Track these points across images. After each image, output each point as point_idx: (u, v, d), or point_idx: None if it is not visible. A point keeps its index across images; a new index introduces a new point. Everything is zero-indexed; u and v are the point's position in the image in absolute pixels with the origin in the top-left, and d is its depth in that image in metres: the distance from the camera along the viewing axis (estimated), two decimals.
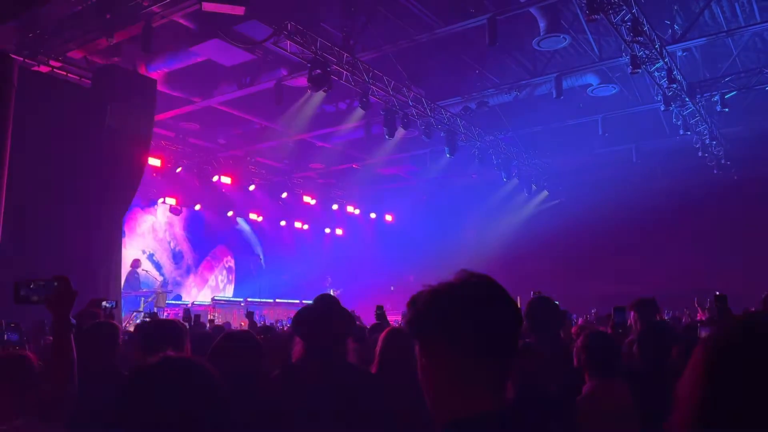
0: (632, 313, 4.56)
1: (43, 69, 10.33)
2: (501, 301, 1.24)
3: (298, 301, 15.03)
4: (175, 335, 2.95)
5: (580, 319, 6.79)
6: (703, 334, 3.72)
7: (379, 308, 6.08)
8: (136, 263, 14.58)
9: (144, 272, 14.56)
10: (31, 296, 2.23)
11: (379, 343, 3.34)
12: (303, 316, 2.83)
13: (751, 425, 0.84)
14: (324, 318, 2.76)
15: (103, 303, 4.98)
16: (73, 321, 2.25)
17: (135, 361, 2.96)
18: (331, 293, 16.66)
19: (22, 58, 9.89)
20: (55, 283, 2.21)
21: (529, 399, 2.83)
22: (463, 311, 1.21)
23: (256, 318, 10.66)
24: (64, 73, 10.70)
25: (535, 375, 2.96)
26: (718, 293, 4.83)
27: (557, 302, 3.91)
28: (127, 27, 9.27)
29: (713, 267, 15.61)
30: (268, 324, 9.34)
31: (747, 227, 15.92)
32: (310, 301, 3.20)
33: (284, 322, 11.52)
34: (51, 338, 2.59)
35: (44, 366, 2.29)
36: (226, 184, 17.62)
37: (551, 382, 3.14)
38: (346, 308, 2.95)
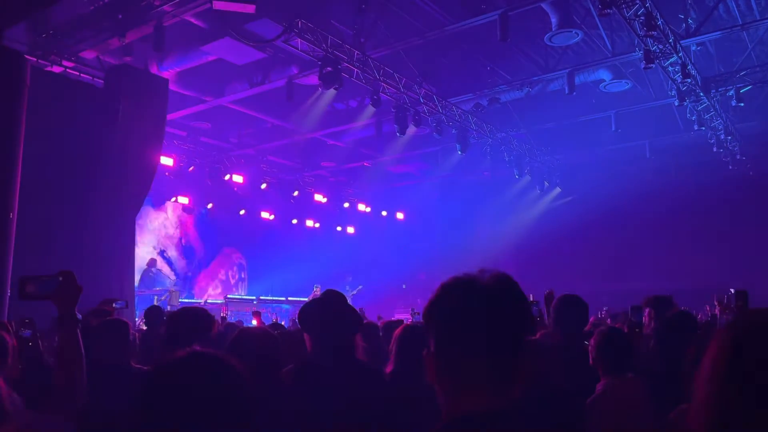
0: (647, 310, 4.50)
1: (56, 69, 10.41)
2: (510, 299, 1.23)
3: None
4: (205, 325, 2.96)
5: (591, 317, 6.71)
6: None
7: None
8: (152, 262, 14.69)
9: (158, 270, 14.65)
10: (36, 292, 2.23)
11: (394, 340, 3.31)
12: (307, 312, 2.82)
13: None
14: (327, 314, 2.75)
15: (114, 303, 5.01)
16: (79, 316, 2.24)
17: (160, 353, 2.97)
18: (348, 290, 16.69)
19: (35, 59, 9.97)
20: (60, 278, 2.21)
21: (537, 395, 2.80)
22: (471, 307, 1.21)
23: (268, 316, 10.70)
24: (77, 73, 10.77)
25: (543, 371, 2.93)
26: (733, 290, 4.75)
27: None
28: (139, 26, 9.31)
29: (728, 263, 15.45)
30: (280, 322, 9.35)
31: (763, 223, 15.73)
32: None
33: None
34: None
35: (55, 362, 2.30)
36: (237, 183, 17.69)
37: (571, 379, 3.11)
38: (353, 306, 2.94)
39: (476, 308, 1.21)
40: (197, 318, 3.00)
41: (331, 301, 2.88)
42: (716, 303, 6.24)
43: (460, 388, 1.21)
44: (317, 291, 16.15)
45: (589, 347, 3.18)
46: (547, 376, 2.89)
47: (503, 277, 1.25)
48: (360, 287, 17.80)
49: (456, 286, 1.25)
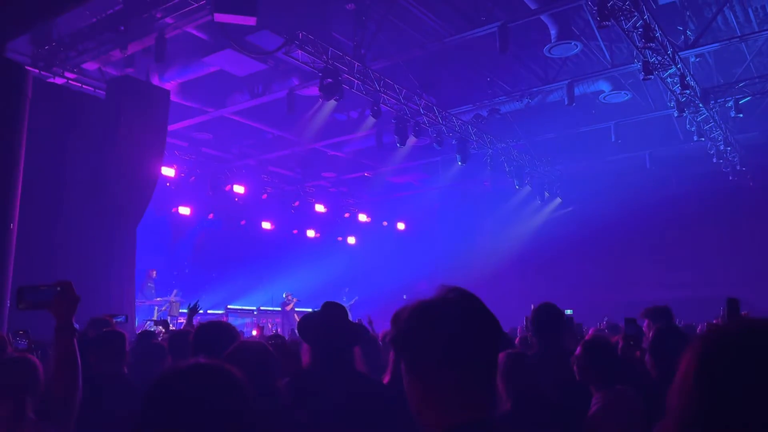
0: (646, 321, 4.50)
1: (58, 80, 10.47)
2: (479, 315, 1.27)
3: (311, 310, 15.00)
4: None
5: (592, 329, 6.69)
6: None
7: None
8: (150, 273, 14.67)
9: (151, 286, 14.58)
10: (34, 301, 2.23)
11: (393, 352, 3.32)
12: (308, 323, 2.83)
13: (736, 428, 0.82)
14: (328, 325, 2.76)
15: (114, 318, 5.01)
16: (77, 326, 2.25)
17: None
18: (344, 301, 16.63)
19: (37, 70, 10.03)
20: (58, 288, 2.22)
21: (526, 406, 2.80)
22: (443, 326, 1.24)
23: (269, 327, 10.68)
24: (79, 85, 10.83)
25: (531, 382, 2.93)
26: (728, 298, 4.75)
27: (571, 311, 3.89)
28: (141, 38, 9.38)
29: (729, 274, 15.42)
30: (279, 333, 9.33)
31: (764, 233, 15.71)
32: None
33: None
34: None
35: (51, 371, 2.30)
36: (238, 193, 17.71)
37: (552, 388, 3.10)
38: (352, 318, 2.95)
39: (452, 326, 1.24)
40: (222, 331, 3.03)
41: (331, 312, 2.89)
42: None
43: (447, 404, 1.23)
44: (288, 298, 16.14)
45: (576, 360, 3.15)
46: (517, 385, 2.89)
47: (468, 294, 1.29)
48: (356, 298, 17.76)
49: (425, 309, 1.28)
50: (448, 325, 1.24)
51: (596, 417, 2.97)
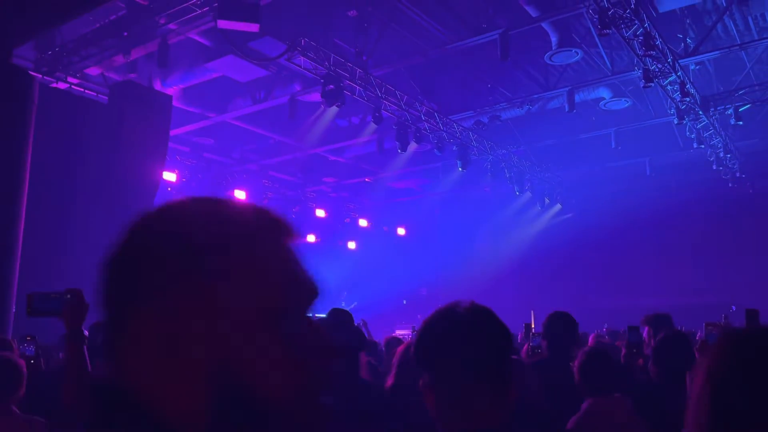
0: (646, 329, 4.51)
1: (61, 86, 10.51)
2: (490, 327, 1.33)
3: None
4: None
5: (592, 335, 6.70)
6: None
7: None
8: None
9: None
10: (44, 309, 2.25)
11: (396, 357, 3.34)
12: None
13: (756, 427, 0.86)
14: (334, 332, 2.78)
15: None
16: (86, 333, 2.28)
17: None
18: (343, 306, 16.66)
19: (41, 75, 10.07)
20: (68, 296, 2.24)
21: (519, 415, 2.81)
22: (455, 339, 1.30)
23: None
24: (82, 90, 10.87)
25: (523, 391, 2.94)
26: (734, 307, 4.79)
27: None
28: (144, 44, 9.42)
29: (729, 280, 15.45)
30: None
31: (763, 240, 15.75)
32: (322, 315, 3.22)
33: None
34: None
35: (61, 378, 2.33)
36: (240, 198, 17.72)
37: (556, 395, 3.12)
38: (355, 323, 2.98)
39: (468, 339, 1.29)
40: None
41: (338, 318, 2.91)
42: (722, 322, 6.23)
43: (461, 413, 1.28)
44: None
45: (574, 368, 3.18)
46: (530, 393, 2.91)
47: (481, 307, 1.35)
48: (355, 303, 17.77)
49: (435, 323, 1.33)
50: (462, 337, 1.29)
51: (577, 423, 2.96)
